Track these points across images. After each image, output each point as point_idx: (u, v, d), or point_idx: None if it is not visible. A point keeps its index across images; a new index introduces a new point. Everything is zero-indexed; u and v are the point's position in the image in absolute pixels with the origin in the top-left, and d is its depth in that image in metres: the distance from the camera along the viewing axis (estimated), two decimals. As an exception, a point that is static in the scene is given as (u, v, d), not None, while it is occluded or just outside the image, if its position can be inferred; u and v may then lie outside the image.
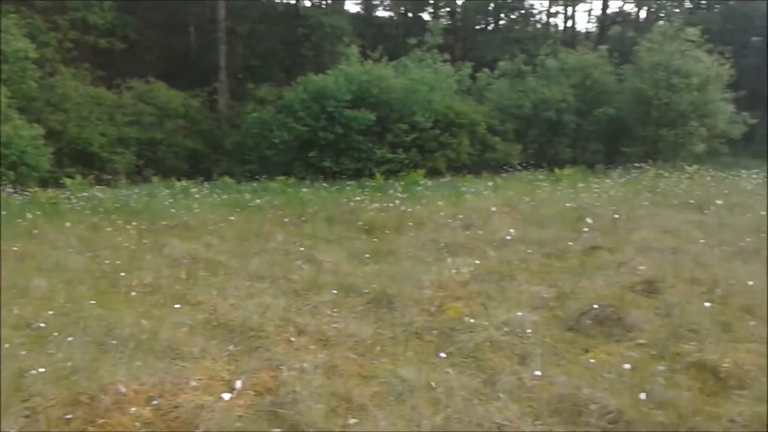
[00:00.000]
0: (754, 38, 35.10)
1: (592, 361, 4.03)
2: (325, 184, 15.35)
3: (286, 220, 9.36)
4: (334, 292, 5.52)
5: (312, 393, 3.50)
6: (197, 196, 12.57)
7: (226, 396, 3.44)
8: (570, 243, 7.46)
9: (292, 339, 4.44)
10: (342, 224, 9.09)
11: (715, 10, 35.30)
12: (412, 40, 22.61)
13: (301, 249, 7.30)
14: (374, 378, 3.79)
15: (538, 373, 3.75)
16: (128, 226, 8.64)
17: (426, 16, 34.73)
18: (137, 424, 3.31)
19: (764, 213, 9.38)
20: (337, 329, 4.64)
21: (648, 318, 4.82)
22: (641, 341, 4.40)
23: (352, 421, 3.30)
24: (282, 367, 3.89)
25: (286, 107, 19.12)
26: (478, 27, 37.03)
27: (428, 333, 4.65)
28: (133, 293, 5.47)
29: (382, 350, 4.28)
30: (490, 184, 14.67)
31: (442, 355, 4.07)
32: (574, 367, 3.95)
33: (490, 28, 37.48)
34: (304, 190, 13.72)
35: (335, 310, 5.11)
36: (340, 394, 3.52)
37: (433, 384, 3.59)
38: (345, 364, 4.03)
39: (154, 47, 26.67)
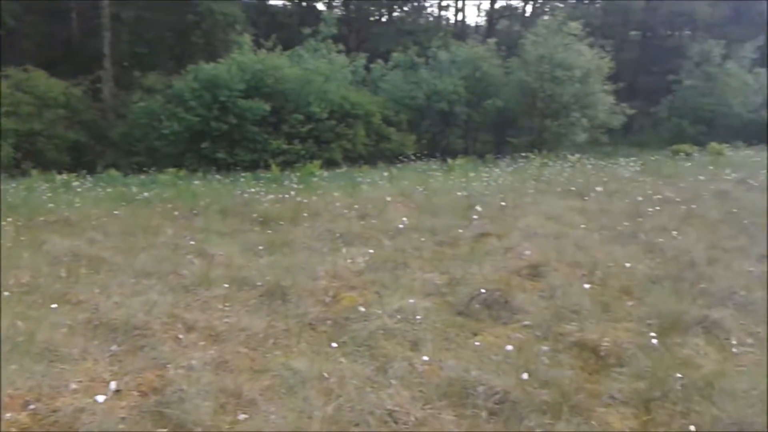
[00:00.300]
0: (633, 33, 37.36)
1: (480, 344, 4.16)
2: (218, 176, 14.94)
3: (176, 213, 9.05)
4: (226, 286, 5.39)
5: (200, 390, 3.41)
6: (79, 189, 11.91)
7: (101, 398, 3.27)
8: (461, 230, 7.65)
9: (180, 336, 4.30)
10: (236, 216, 8.89)
11: (597, 5, 37.22)
12: (307, 30, 22.45)
13: (192, 243, 7.08)
14: (266, 372, 3.74)
15: (428, 358, 3.84)
16: (4, 223, 8.07)
17: (320, 6, 34.55)
18: (13, 429, 3.12)
19: (640, 198, 10.03)
20: (228, 324, 4.53)
21: (533, 300, 5.03)
22: (527, 323, 4.58)
23: (241, 416, 3.24)
24: (169, 365, 3.76)
25: (176, 96, 18.49)
26: (372, 18, 37.21)
27: (322, 323, 4.63)
28: (8, 293, 5.12)
29: (274, 343, 4.23)
30: (385, 174, 14.81)
31: (335, 345, 4.07)
32: (463, 351, 4.06)
33: (383, 19, 37.75)
34: (196, 182, 13.31)
35: (227, 304, 4.99)
36: (229, 390, 3.45)
37: (325, 374, 3.58)
38: (236, 359, 3.95)
39: (33, 34, 24.94)
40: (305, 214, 8.78)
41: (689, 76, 27.07)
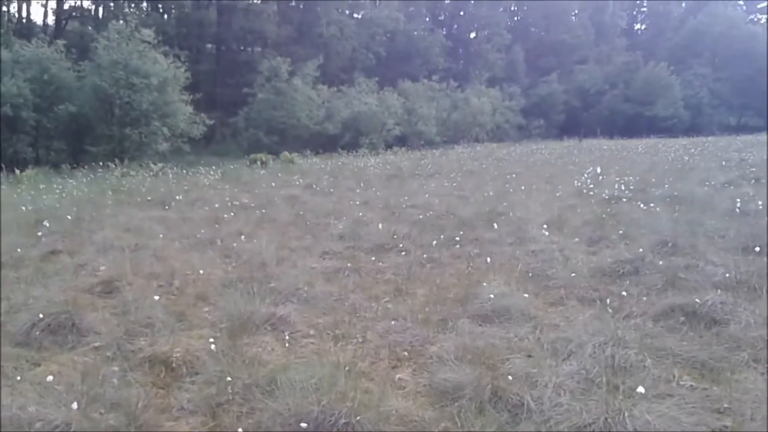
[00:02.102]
0: (208, 45, 38.51)
1: (41, 375, 3.76)
2: None
3: None
4: None
5: None
6: None
7: None
8: (20, 250, 6.90)
9: None
10: None
11: (172, 14, 37.19)
12: None
13: None
14: None
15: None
16: None
17: None
18: None
19: (218, 205, 10.40)
20: None
21: (105, 319, 4.76)
22: (97, 344, 4.31)
23: None
24: None
25: None
26: None
27: None
28: None
29: None
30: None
31: None
32: (21, 386, 3.63)
33: None
34: None
35: None
36: None
37: None
38: None
39: None
40: None
41: (261, 90, 29.10)
